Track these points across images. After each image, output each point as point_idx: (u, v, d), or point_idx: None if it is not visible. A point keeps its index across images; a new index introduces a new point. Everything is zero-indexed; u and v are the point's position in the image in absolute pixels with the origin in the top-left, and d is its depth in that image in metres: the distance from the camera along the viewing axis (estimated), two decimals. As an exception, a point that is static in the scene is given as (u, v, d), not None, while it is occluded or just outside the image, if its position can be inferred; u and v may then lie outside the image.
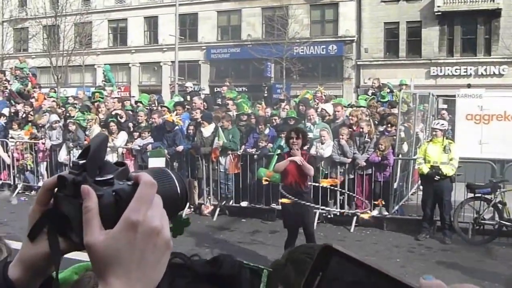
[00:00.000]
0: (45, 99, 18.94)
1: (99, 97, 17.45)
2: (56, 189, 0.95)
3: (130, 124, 14.65)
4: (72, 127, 14.82)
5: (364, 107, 14.49)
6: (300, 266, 1.85)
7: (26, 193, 15.70)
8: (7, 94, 19.51)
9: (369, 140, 12.18)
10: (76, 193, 0.89)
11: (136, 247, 0.87)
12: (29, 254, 0.95)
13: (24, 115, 17.10)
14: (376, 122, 13.67)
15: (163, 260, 0.90)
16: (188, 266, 1.06)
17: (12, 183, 16.02)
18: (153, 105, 17.02)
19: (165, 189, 0.96)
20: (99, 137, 0.97)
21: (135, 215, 0.87)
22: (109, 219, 0.88)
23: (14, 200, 14.79)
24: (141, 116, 14.61)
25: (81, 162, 0.92)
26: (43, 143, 15.39)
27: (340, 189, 12.05)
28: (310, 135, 12.84)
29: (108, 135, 14.28)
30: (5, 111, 17.67)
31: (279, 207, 10.37)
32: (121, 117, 14.84)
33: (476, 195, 10.92)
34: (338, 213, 12.30)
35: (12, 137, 16.07)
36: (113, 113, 15.18)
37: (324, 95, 16.65)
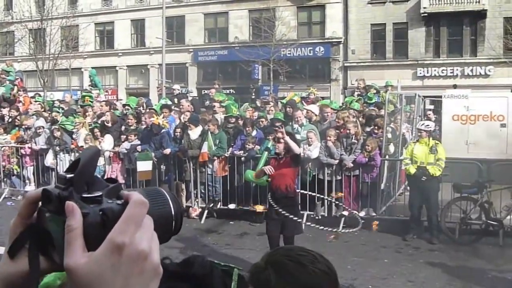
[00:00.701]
0: (31, 103, 18.84)
1: (89, 101, 17.38)
2: (40, 202, 0.87)
3: (123, 128, 14.58)
4: (57, 133, 14.74)
5: (356, 110, 14.53)
6: (281, 269, 1.85)
7: (13, 198, 15.60)
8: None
9: (356, 141, 12.22)
10: (60, 210, 0.82)
11: (120, 271, 0.79)
12: (9, 271, 0.88)
13: (10, 120, 16.99)
14: (364, 123, 13.70)
15: (151, 287, 0.83)
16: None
17: (-2, 188, 15.93)
18: (141, 108, 16.95)
19: (158, 210, 0.90)
20: (90, 150, 0.90)
21: (120, 236, 0.79)
22: (94, 240, 0.81)
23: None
24: (130, 120, 14.55)
25: (68, 176, 0.85)
26: (30, 147, 15.30)
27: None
28: (298, 136, 12.85)
29: (94, 139, 14.26)
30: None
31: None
32: (108, 122, 14.73)
33: (463, 195, 11.00)
34: (326, 215, 12.33)
35: (-2, 142, 15.98)
36: (100, 120, 15.05)
37: (320, 97, 16.70)
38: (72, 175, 0.85)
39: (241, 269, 1.12)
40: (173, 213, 0.91)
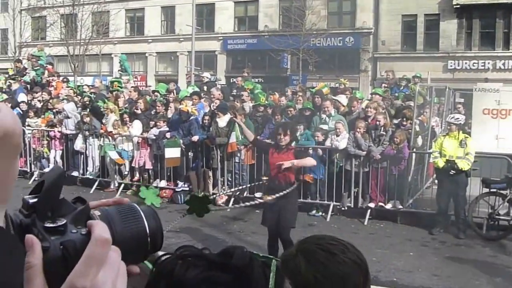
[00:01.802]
0: (62, 87, 19.09)
1: (118, 86, 17.56)
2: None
3: (153, 113, 14.74)
4: (86, 119, 14.94)
5: (380, 95, 14.48)
6: (311, 257, 1.87)
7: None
8: (24, 83, 19.69)
9: (384, 133, 12.15)
10: (22, 239, 0.76)
11: None
12: None
13: (42, 103, 17.25)
14: (393, 114, 13.62)
15: None
16: (200, 256, 1.07)
17: (28, 170, 16.18)
18: (171, 94, 17.03)
19: (130, 230, 0.86)
20: (54, 171, 0.84)
21: (80, 281, 0.74)
22: (55, 277, 0.75)
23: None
24: (159, 107, 14.67)
25: (31, 201, 0.80)
26: (59, 131, 15.53)
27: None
28: (325, 127, 12.84)
29: (122, 125, 14.41)
30: (23, 98, 17.84)
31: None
32: (137, 109, 14.88)
33: (492, 190, 10.87)
34: (352, 206, 12.31)
35: (28, 125, 16.21)
36: (133, 107, 15.18)
37: (350, 88, 16.60)
38: (35, 200, 0.81)
39: (279, 260, 1.13)
40: (147, 231, 0.88)
